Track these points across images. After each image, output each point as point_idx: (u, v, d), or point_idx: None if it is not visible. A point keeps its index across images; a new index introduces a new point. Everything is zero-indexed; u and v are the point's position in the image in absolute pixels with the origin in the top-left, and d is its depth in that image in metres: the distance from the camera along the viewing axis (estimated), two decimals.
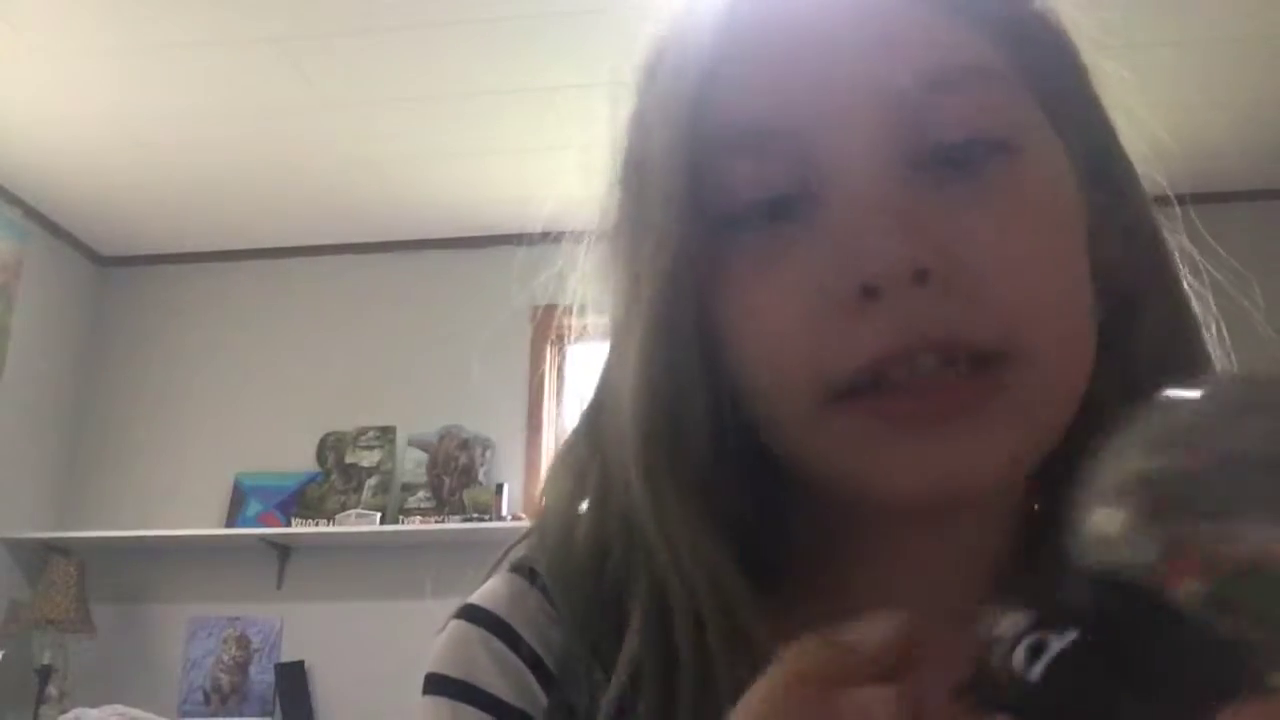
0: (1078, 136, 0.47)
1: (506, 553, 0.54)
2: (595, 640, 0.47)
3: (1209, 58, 3.02)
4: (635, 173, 0.49)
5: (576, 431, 0.53)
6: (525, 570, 0.52)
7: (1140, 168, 0.50)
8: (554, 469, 0.53)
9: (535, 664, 0.49)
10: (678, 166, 0.44)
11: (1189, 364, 0.48)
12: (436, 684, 0.50)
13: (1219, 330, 0.50)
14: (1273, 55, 3.03)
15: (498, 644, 0.49)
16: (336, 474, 3.87)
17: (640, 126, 0.49)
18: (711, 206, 0.44)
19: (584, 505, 0.51)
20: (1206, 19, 2.86)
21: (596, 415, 0.51)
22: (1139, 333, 0.47)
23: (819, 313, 0.42)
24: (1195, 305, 0.49)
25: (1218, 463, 0.22)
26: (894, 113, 0.42)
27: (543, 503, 0.53)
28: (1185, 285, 0.49)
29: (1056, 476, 0.43)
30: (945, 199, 0.42)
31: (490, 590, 0.52)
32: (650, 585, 0.45)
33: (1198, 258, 0.51)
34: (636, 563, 0.47)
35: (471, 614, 0.51)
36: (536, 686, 0.48)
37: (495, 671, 0.49)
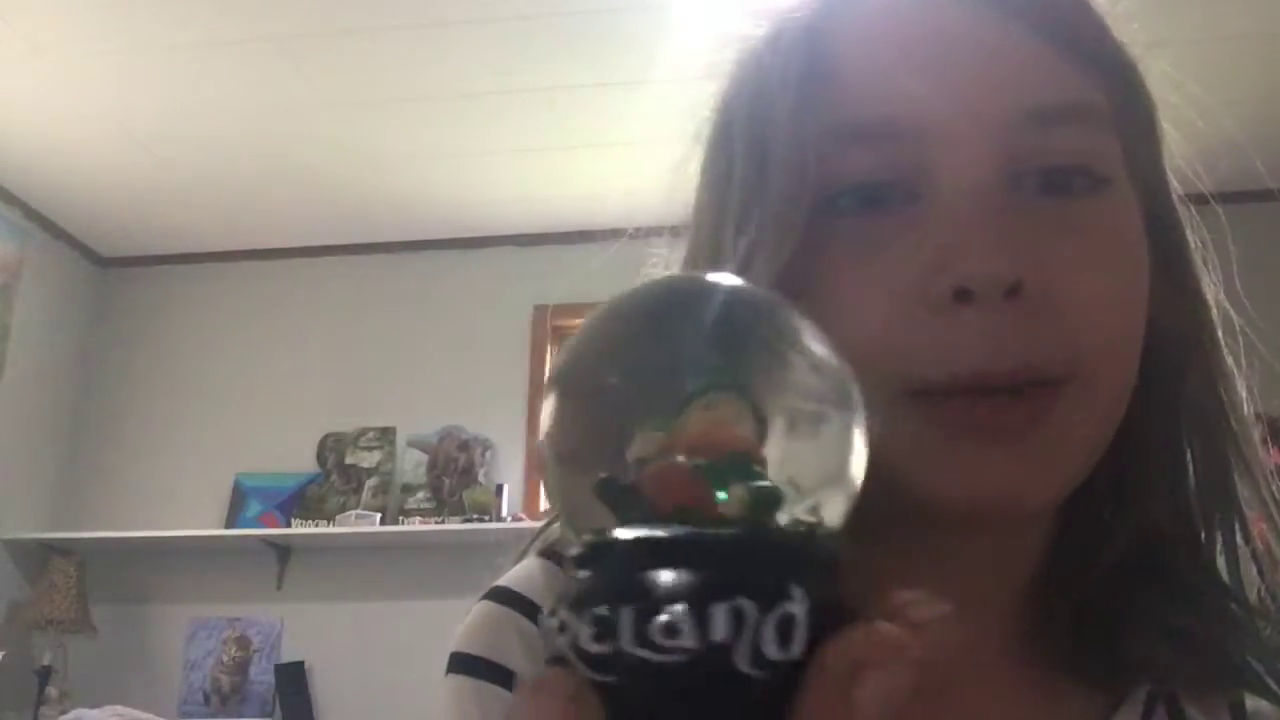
0: (1144, 180, 0.49)
1: (537, 536, 0.55)
2: None
3: (1203, 57, 3.02)
4: (747, 147, 0.49)
5: None
6: (553, 555, 0.52)
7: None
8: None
9: None
10: (804, 156, 0.46)
11: (1226, 414, 0.50)
12: (462, 663, 0.50)
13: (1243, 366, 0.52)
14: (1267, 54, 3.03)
15: (526, 624, 0.50)
16: (336, 475, 3.86)
17: (752, 103, 0.50)
18: (813, 191, 0.46)
19: None
20: (1196, 19, 2.87)
21: None
22: (1184, 375, 0.49)
23: (910, 308, 0.43)
24: (1228, 357, 0.51)
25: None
26: (1007, 133, 0.44)
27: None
28: (1220, 339, 0.51)
29: (1080, 498, 0.46)
30: (1040, 222, 0.44)
31: (519, 573, 0.53)
32: None
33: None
34: None
35: (500, 595, 0.52)
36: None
37: (521, 651, 0.49)
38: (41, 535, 3.74)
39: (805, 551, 0.20)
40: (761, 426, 0.20)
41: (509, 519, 3.64)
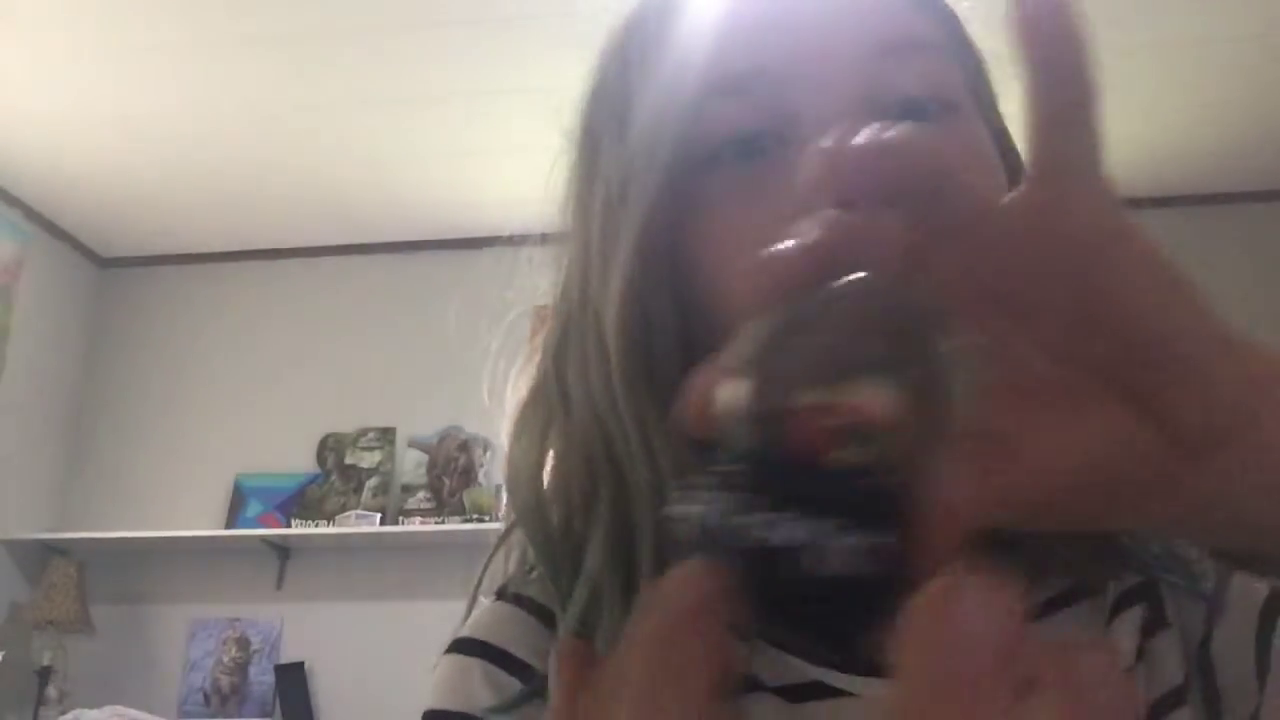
0: (987, 117, 0.52)
1: (478, 585, 0.56)
2: (568, 584, 0.50)
3: (1180, 60, 3.02)
4: (615, 108, 0.52)
5: (539, 386, 0.55)
6: (506, 595, 0.54)
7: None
8: (517, 429, 0.55)
9: (533, 679, 0.50)
10: (667, 105, 0.48)
11: None
12: None
13: None
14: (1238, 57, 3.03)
15: (494, 670, 0.51)
16: (336, 475, 3.87)
17: (621, 70, 0.53)
18: (688, 146, 0.48)
19: (548, 465, 0.53)
20: (1179, 20, 2.87)
21: (562, 350, 0.53)
22: None
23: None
24: None
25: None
26: (860, 67, 0.47)
27: (508, 466, 0.55)
28: None
29: None
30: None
31: (477, 620, 0.54)
32: (612, 503, 0.48)
33: None
34: (597, 497, 0.49)
35: (464, 646, 0.53)
36: (537, 699, 0.50)
37: (492, 698, 0.50)
38: (41, 535, 3.74)
39: (896, 497, 0.25)
40: (891, 406, 0.25)
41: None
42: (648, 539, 0.47)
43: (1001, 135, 0.53)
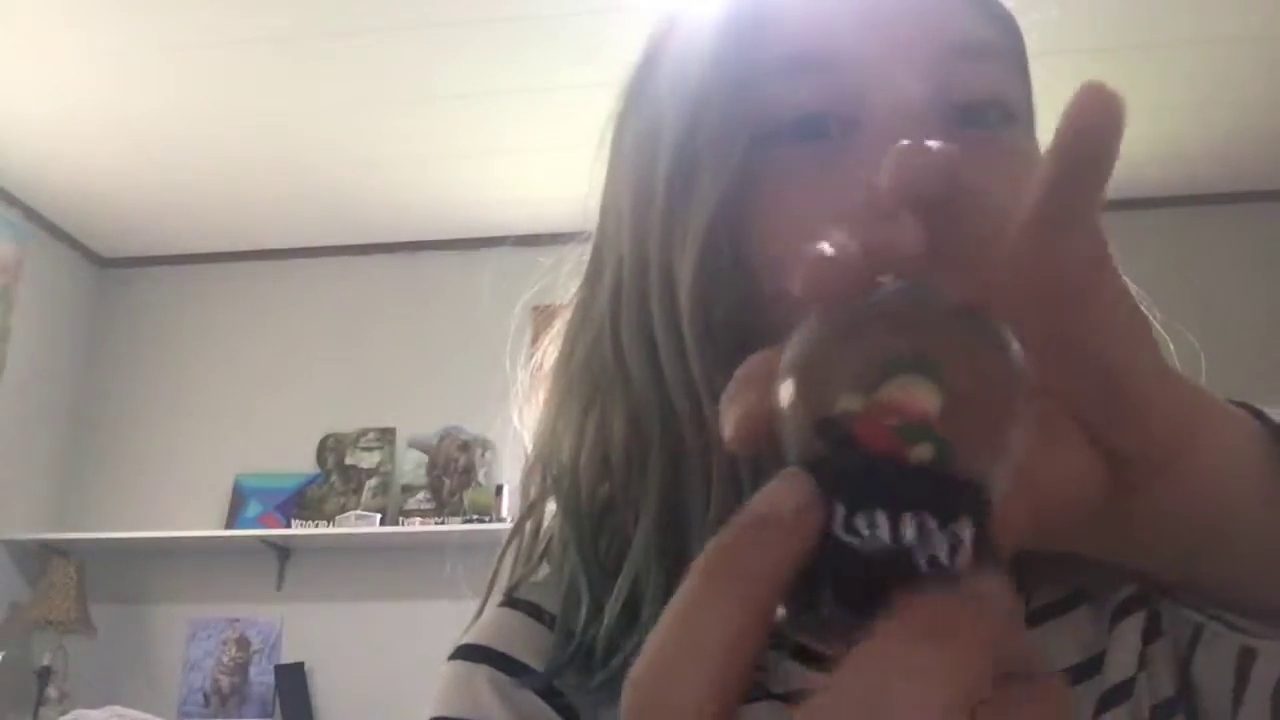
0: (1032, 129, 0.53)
1: (490, 589, 0.56)
2: (602, 563, 0.50)
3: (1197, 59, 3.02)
4: (676, 92, 0.52)
5: (585, 358, 0.55)
6: (511, 600, 0.55)
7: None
8: (557, 401, 0.55)
9: (538, 683, 0.50)
10: (733, 82, 0.49)
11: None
12: None
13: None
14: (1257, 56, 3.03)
15: (499, 675, 0.51)
16: (336, 475, 3.86)
17: (687, 41, 0.54)
18: (751, 124, 0.48)
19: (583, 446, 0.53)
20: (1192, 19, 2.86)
21: (616, 321, 0.53)
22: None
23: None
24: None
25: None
26: (930, 64, 0.48)
27: (541, 440, 0.56)
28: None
29: None
30: (964, 144, 0.45)
31: (485, 626, 0.55)
32: (663, 472, 0.49)
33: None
34: (646, 470, 0.49)
35: (469, 652, 0.53)
36: (542, 704, 0.50)
37: (497, 703, 0.50)
38: (41, 535, 3.74)
39: (971, 491, 0.26)
40: (945, 402, 0.26)
41: (509, 519, 3.64)
42: (701, 510, 0.47)
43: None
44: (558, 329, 0.58)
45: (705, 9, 0.53)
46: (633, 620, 0.48)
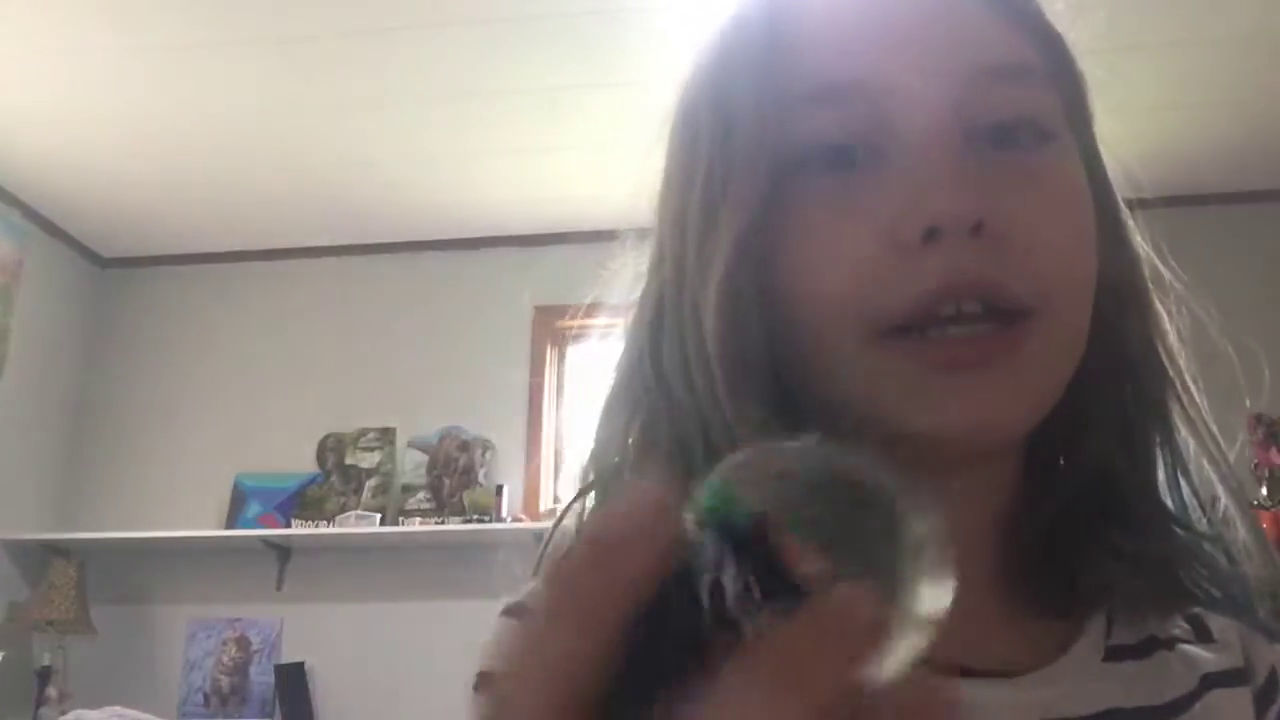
0: (1082, 140, 0.53)
1: (548, 539, 0.56)
2: None
3: (1202, 58, 3.02)
4: (716, 106, 0.52)
5: (631, 366, 0.55)
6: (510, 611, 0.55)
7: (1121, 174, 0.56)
8: (607, 405, 0.55)
9: None
10: (764, 112, 0.49)
11: (1161, 358, 0.54)
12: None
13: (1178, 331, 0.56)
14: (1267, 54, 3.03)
15: None
16: (336, 475, 3.86)
17: (723, 68, 0.53)
18: (780, 151, 0.49)
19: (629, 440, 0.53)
20: (1199, 18, 2.86)
21: (657, 335, 0.53)
22: (1126, 319, 0.53)
23: (881, 252, 0.46)
24: (1159, 303, 0.55)
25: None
26: (961, 89, 0.48)
27: (593, 441, 0.55)
28: (1150, 287, 0.55)
29: (1038, 440, 0.51)
30: (996, 171, 0.47)
31: (536, 589, 0.54)
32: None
33: (1163, 265, 0.57)
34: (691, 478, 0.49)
35: (518, 611, 0.53)
36: None
37: None
38: (41, 535, 3.74)
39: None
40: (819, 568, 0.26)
41: (509, 520, 3.64)
42: None
43: (1093, 155, 0.54)
44: (619, 329, 0.59)
45: (738, 33, 0.53)
46: None
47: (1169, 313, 0.55)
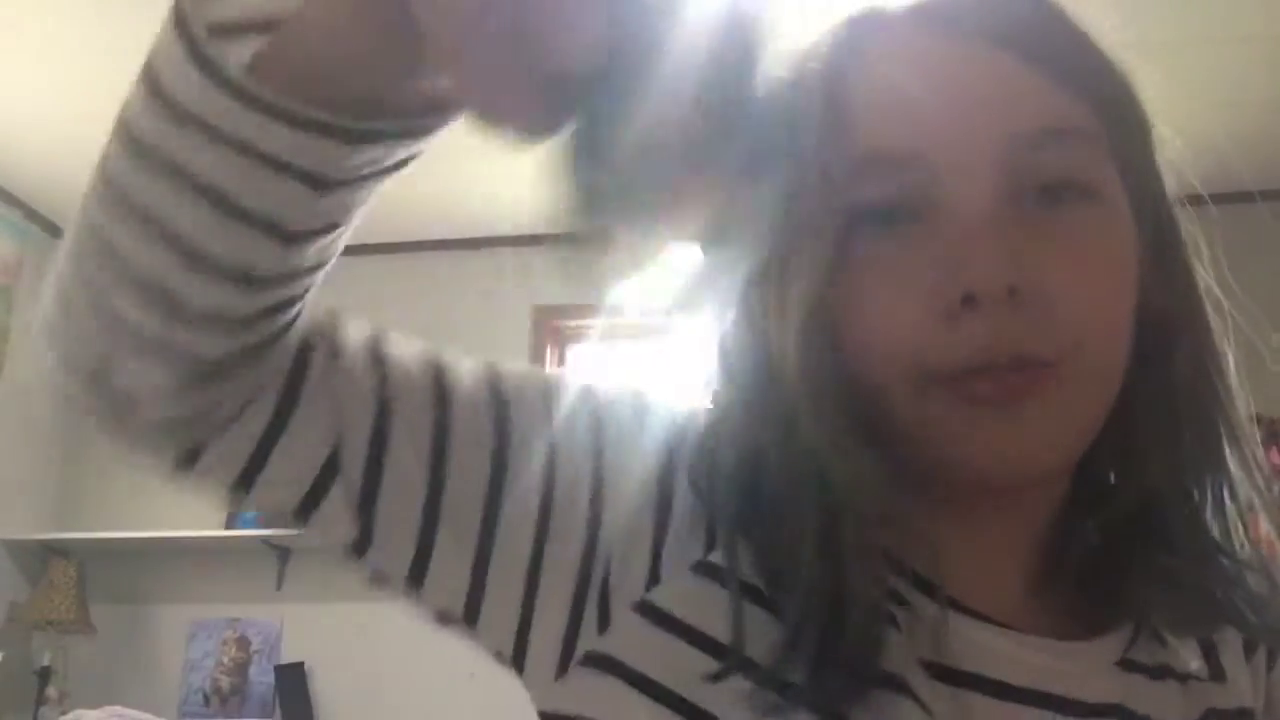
0: (1138, 186, 0.55)
1: None
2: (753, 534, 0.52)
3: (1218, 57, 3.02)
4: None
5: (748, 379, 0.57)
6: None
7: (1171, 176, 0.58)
8: (722, 411, 0.57)
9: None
10: (830, 175, 0.52)
11: (1215, 388, 0.57)
12: None
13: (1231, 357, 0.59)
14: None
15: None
16: None
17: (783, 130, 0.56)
18: (837, 214, 0.52)
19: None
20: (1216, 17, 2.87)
21: (759, 369, 0.55)
22: (1174, 358, 0.56)
23: (925, 316, 0.50)
24: (1217, 336, 0.58)
25: None
26: (1003, 157, 0.51)
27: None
28: (1210, 319, 0.58)
29: (1087, 461, 0.55)
30: (1036, 231, 0.51)
31: None
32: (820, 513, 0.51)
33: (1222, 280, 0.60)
34: (796, 518, 0.51)
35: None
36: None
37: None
38: (41, 535, 3.74)
39: None
40: None
41: None
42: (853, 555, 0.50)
43: (1153, 195, 0.56)
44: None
45: (798, 96, 0.55)
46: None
47: (1228, 343, 0.58)
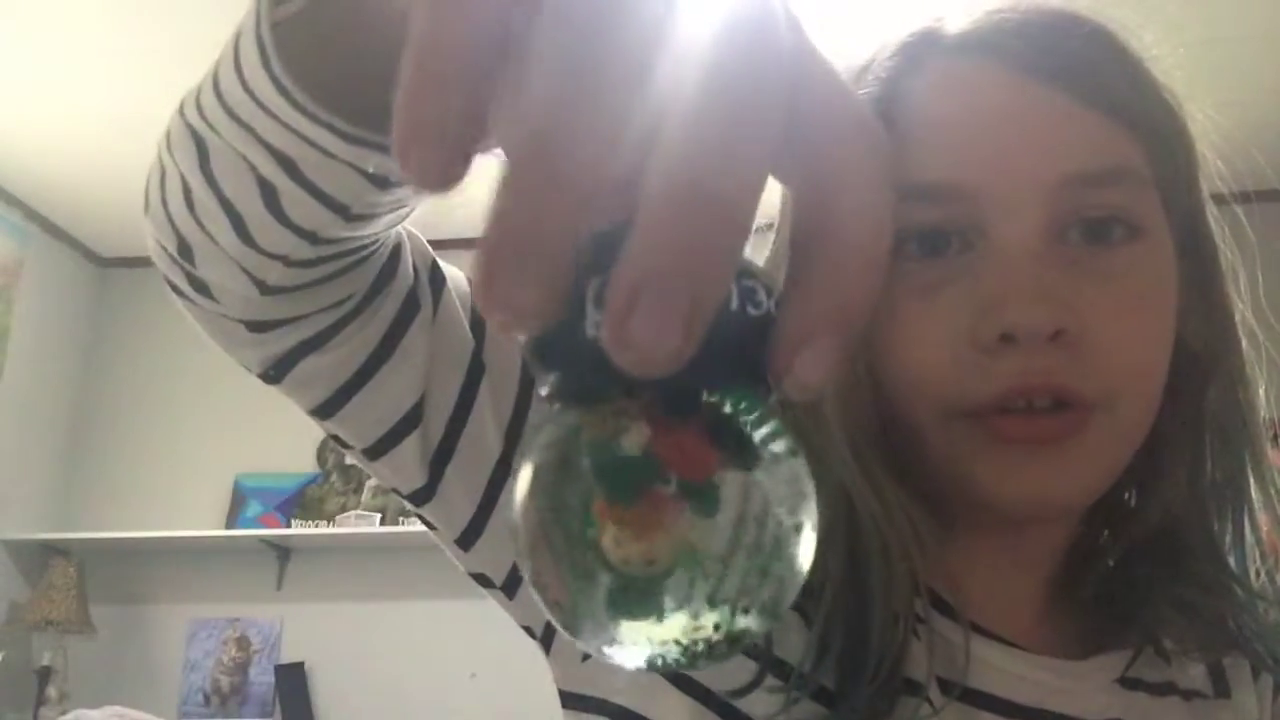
0: (1182, 220, 0.55)
1: None
2: None
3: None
4: None
5: None
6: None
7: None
8: None
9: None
10: None
11: (1244, 421, 0.58)
12: None
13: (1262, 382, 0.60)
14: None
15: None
16: (337, 475, 3.86)
17: None
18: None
19: None
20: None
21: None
22: (1207, 388, 0.57)
23: (961, 349, 0.51)
24: (1250, 366, 0.59)
25: None
26: (1051, 195, 0.51)
27: None
28: (1244, 350, 0.59)
29: (1111, 487, 0.55)
30: (1079, 271, 0.51)
31: None
32: (846, 554, 0.52)
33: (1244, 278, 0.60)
34: (831, 544, 0.52)
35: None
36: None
37: None
38: (41, 535, 3.74)
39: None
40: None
41: None
42: (880, 588, 0.50)
43: (1195, 226, 0.56)
44: None
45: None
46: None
47: (1260, 371, 0.59)
